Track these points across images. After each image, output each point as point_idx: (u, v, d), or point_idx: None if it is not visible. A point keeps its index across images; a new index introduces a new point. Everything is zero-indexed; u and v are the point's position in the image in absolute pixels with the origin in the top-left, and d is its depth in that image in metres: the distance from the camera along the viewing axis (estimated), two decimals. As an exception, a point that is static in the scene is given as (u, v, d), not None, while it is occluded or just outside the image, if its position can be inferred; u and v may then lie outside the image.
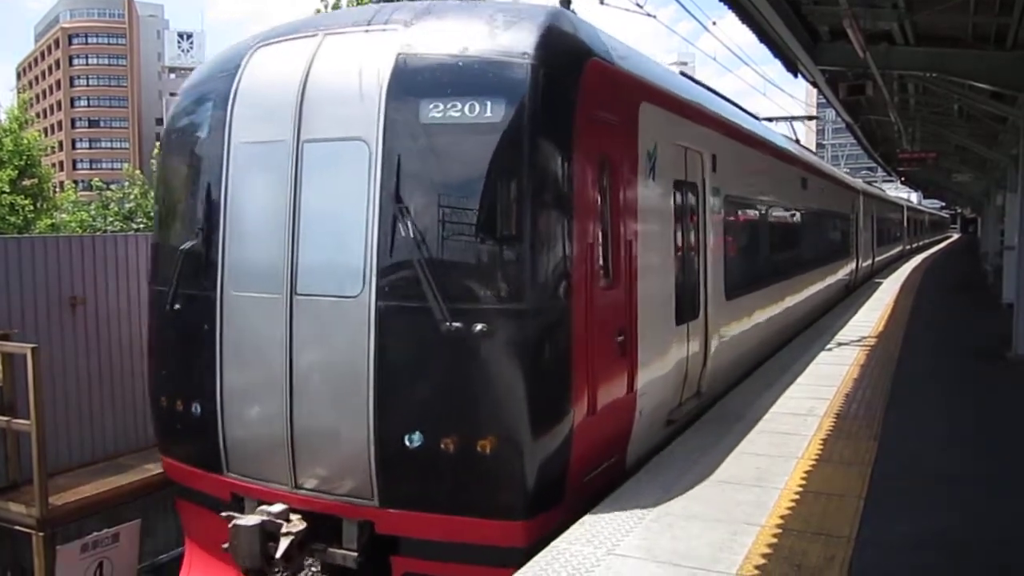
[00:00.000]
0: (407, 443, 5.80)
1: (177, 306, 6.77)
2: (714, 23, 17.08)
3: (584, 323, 6.12)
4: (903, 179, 50.56)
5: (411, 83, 5.98)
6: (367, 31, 6.35)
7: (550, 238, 5.96)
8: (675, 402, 8.30)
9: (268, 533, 6.03)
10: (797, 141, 19.96)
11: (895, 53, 14.23)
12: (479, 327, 5.68)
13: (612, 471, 6.86)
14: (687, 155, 8.71)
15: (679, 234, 8.53)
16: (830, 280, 20.07)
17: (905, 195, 60.71)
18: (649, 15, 14.57)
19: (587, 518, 6.03)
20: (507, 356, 5.80)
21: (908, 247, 50.59)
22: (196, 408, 6.72)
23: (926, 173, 39.70)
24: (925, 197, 75.55)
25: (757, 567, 5.23)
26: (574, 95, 6.20)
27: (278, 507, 6.18)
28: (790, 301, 14.63)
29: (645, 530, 5.81)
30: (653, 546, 5.56)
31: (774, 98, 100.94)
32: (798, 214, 16.35)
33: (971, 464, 7.60)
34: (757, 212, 12.72)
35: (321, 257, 6.22)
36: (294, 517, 6.18)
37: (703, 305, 9.08)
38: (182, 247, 6.73)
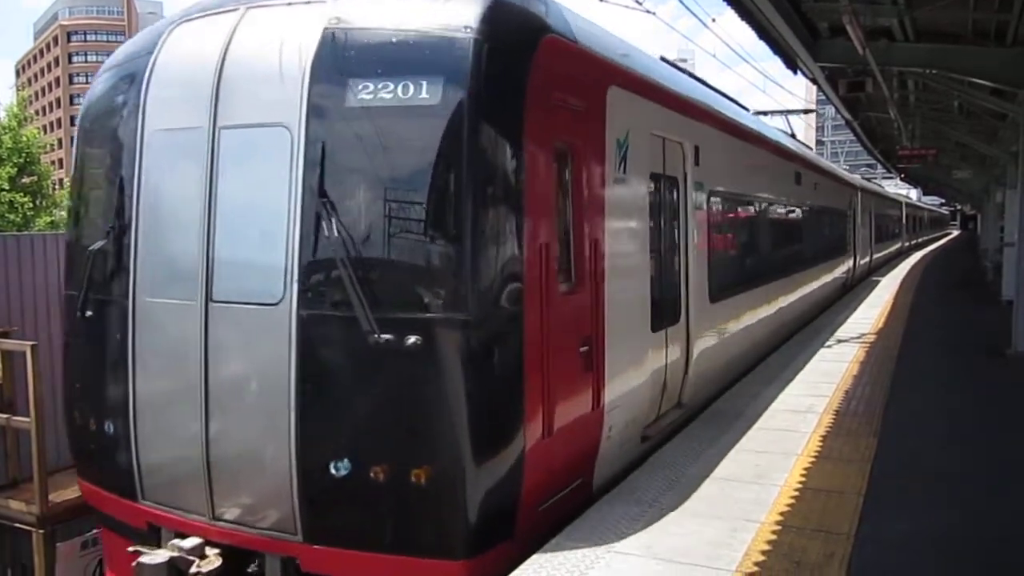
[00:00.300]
0: (333, 471, 5.18)
1: (88, 313, 6.15)
2: (713, 20, 17.02)
3: (538, 333, 5.47)
4: (903, 176, 50.51)
5: (338, 61, 5.32)
6: (291, 3, 5.68)
7: (496, 237, 5.29)
8: (651, 416, 7.75)
9: (179, 571, 5.41)
10: (793, 136, 19.79)
11: (895, 50, 14.21)
12: (412, 340, 5.03)
13: (576, 496, 6.24)
14: (665, 146, 8.13)
15: (656, 232, 7.89)
16: (826, 279, 19.68)
17: (905, 192, 60.73)
18: (648, 12, 14.58)
19: (586, 515, 6.02)
20: (445, 373, 5.13)
21: (907, 244, 50.56)
22: (109, 428, 6.10)
23: (926, 170, 39.67)
24: (925, 194, 75.54)
25: (757, 564, 5.23)
26: (525, 75, 5.53)
27: (191, 541, 5.56)
28: (783, 302, 14.12)
29: (645, 527, 5.80)
30: (653, 543, 5.56)
31: (774, 94, 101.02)
32: (791, 210, 15.88)
33: (971, 461, 7.60)
34: (746, 208, 12.21)
35: (239, 260, 5.59)
36: (211, 552, 5.56)
37: (684, 309, 8.54)
38: (91, 247, 6.13)
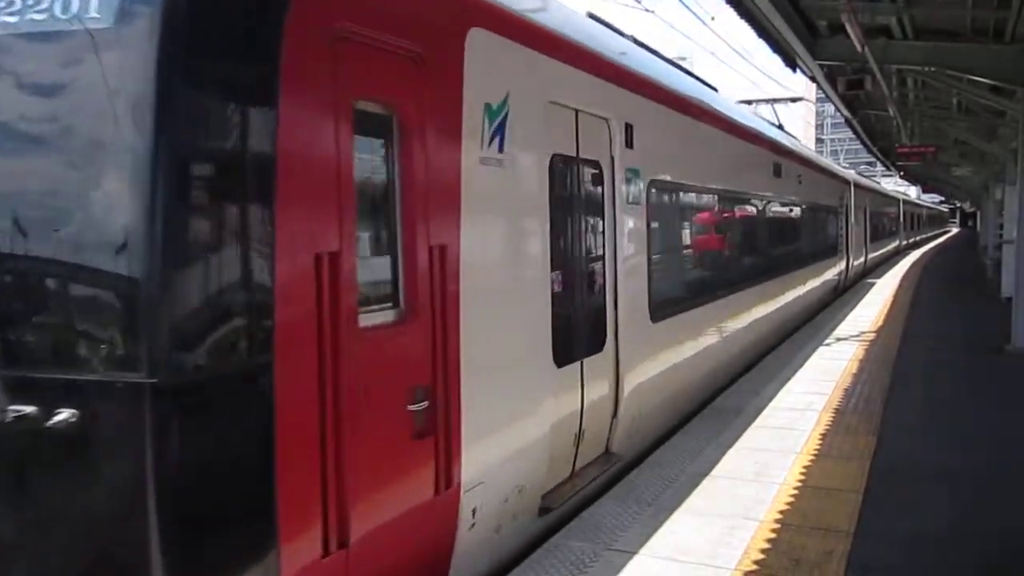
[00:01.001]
0: None
1: None
2: (712, 18, 17.09)
3: (310, 396, 3.58)
4: (902, 173, 50.56)
5: None
6: None
7: (217, 246, 3.32)
8: (559, 477, 6.03)
9: None
10: (780, 127, 18.78)
11: (894, 47, 14.22)
12: (64, 416, 3.12)
13: None
14: (579, 121, 6.26)
15: (563, 234, 6.09)
16: (813, 283, 18.03)
17: (904, 189, 60.75)
18: (647, 10, 14.60)
19: (585, 514, 6.01)
20: (116, 470, 3.22)
21: (905, 242, 50.34)
22: None
23: (925, 168, 39.67)
24: (924, 191, 75.67)
25: (756, 562, 5.23)
26: None
27: None
28: (755, 314, 12.14)
29: (644, 525, 5.80)
30: (652, 541, 5.55)
31: (774, 92, 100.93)
32: (767, 207, 13.96)
33: (970, 458, 7.60)
34: (704, 204, 10.30)
35: None
36: None
37: (613, 332, 6.76)
38: None
